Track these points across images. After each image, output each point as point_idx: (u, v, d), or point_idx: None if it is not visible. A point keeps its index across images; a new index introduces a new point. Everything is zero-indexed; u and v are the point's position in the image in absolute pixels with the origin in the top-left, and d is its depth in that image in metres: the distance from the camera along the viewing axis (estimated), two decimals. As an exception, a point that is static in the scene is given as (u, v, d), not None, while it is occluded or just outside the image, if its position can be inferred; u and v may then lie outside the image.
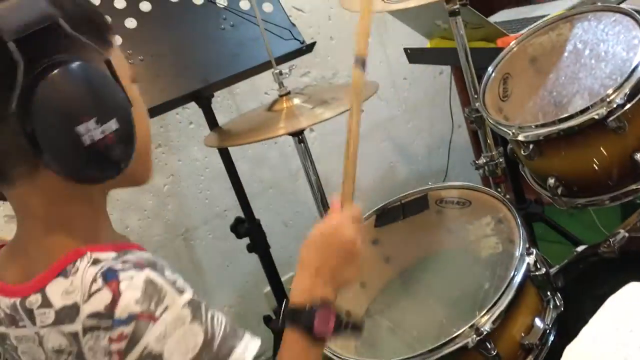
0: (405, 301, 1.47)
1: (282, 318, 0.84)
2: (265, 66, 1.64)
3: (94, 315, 0.67)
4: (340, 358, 1.23)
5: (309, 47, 1.74)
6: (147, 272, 0.69)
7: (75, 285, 0.68)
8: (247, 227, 1.83)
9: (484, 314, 1.11)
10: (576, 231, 2.09)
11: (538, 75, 1.39)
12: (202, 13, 1.66)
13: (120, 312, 0.66)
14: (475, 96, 1.55)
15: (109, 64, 0.70)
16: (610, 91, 1.19)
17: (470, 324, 1.10)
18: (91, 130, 0.65)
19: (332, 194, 0.90)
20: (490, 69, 1.45)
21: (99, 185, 0.73)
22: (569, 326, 1.00)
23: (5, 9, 0.63)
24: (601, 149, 1.25)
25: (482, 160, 1.72)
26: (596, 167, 1.28)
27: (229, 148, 1.77)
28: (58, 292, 0.69)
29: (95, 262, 0.70)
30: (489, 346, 1.11)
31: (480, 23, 1.72)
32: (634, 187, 1.27)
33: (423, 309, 1.43)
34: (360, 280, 1.50)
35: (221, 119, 1.77)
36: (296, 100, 1.54)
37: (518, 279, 1.15)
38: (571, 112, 1.21)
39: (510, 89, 1.40)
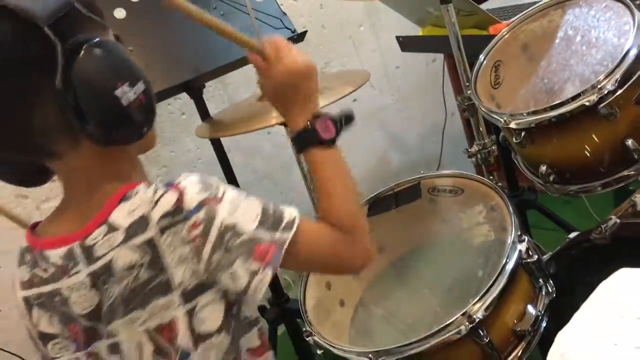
0: (399, 290, 1.47)
1: (297, 148, 0.94)
2: (256, 56, 1.63)
3: (166, 215, 0.76)
4: (335, 347, 1.24)
5: (301, 36, 1.73)
6: (196, 174, 0.81)
7: (138, 203, 0.77)
8: (241, 217, 1.82)
9: (477, 302, 1.12)
10: (569, 218, 2.09)
11: (529, 62, 1.39)
12: (192, 2, 1.64)
13: (188, 204, 0.77)
14: (467, 84, 1.54)
15: (117, 38, 0.81)
16: (601, 77, 1.19)
17: (462, 312, 1.11)
18: (127, 93, 0.75)
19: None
20: (481, 56, 1.45)
21: (128, 152, 0.84)
22: (561, 312, 1.00)
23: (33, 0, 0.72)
24: (592, 135, 1.25)
25: (474, 148, 1.72)
26: (588, 154, 1.28)
27: (221, 139, 1.77)
28: (122, 215, 0.77)
29: (150, 184, 0.79)
30: (482, 333, 1.12)
31: (472, 10, 1.72)
32: (625, 173, 1.28)
33: (417, 297, 1.43)
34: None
35: (213, 109, 1.76)
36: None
37: (510, 266, 1.15)
38: (562, 99, 1.21)
39: (502, 77, 1.40)
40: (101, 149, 0.79)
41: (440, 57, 2.61)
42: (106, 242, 0.77)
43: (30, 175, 0.87)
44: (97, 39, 0.75)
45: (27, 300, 0.86)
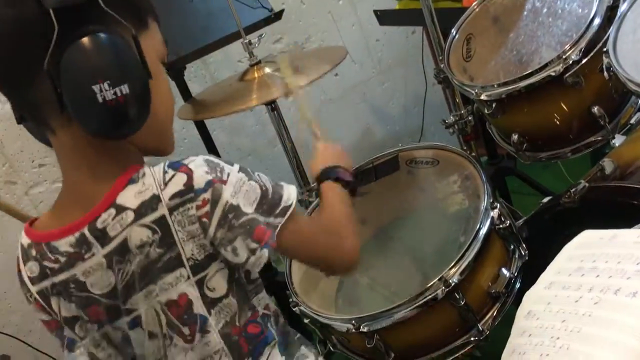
0: (382, 259, 1.53)
1: (319, 181, 1.12)
2: (235, 36, 1.66)
3: (176, 194, 0.81)
4: (320, 315, 1.29)
5: (277, 15, 1.75)
6: (202, 156, 0.85)
7: (148, 184, 0.82)
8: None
9: (452, 267, 1.17)
10: (547, 183, 2.15)
11: (499, 34, 1.43)
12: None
13: (197, 183, 0.82)
14: (441, 57, 1.58)
15: (135, 39, 0.80)
16: (566, 47, 1.23)
17: (439, 277, 1.16)
18: (105, 91, 0.76)
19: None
20: (453, 30, 1.49)
21: (118, 146, 0.85)
22: (534, 274, 1.05)
23: None
24: (560, 104, 1.30)
25: (451, 119, 1.76)
26: (557, 122, 1.33)
27: (205, 121, 1.80)
28: (131, 196, 0.82)
29: (155, 166, 0.84)
30: (458, 296, 1.18)
31: (446, -17, 1.75)
32: (592, 139, 1.33)
33: (399, 265, 1.49)
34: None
35: (195, 89, 1.79)
36: (267, 70, 1.56)
37: (483, 232, 1.21)
38: (531, 70, 1.26)
39: (474, 49, 1.44)
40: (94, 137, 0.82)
41: (419, 29, 2.62)
42: (117, 223, 0.82)
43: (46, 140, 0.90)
44: (103, 34, 0.77)
45: (42, 293, 0.90)
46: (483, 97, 1.31)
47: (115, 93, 0.76)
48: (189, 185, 0.81)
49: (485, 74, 1.37)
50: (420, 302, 1.16)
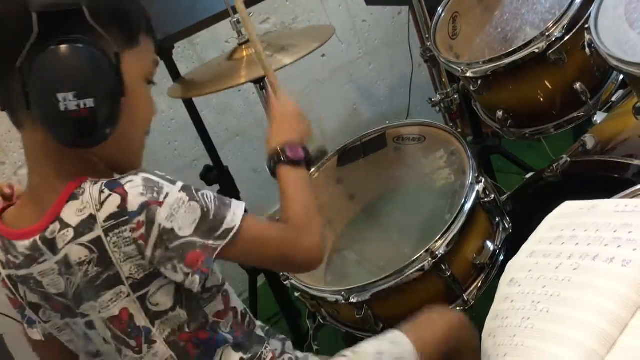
0: (370, 234, 1.56)
1: (269, 168, 1.05)
2: (222, 15, 1.66)
3: (110, 216, 0.81)
4: (310, 288, 1.32)
5: (264, -6, 1.76)
6: (142, 174, 0.84)
7: (86, 202, 0.82)
8: (216, 174, 1.88)
9: (438, 239, 1.21)
10: (531, 161, 2.18)
11: (485, 12, 1.45)
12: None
13: (131, 205, 0.81)
14: (427, 36, 1.60)
15: (117, 56, 0.81)
16: (549, 25, 1.26)
17: (425, 249, 1.20)
18: (69, 101, 0.76)
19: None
20: (440, 9, 1.51)
21: (80, 153, 0.85)
22: (517, 247, 1.09)
23: None
24: (544, 80, 1.33)
25: (437, 98, 1.79)
26: (540, 98, 1.36)
27: (193, 99, 1.80)
28: (72, 213, 0.82)
29: (96, 182, 0.83)
30: (444, 268, 1.21)
31: (432, -39, 1.76)
32: (575, 114, 1.37)
33: (387, 240, 1.52)
34: (327, 218, 1.58)
35: (183, 69, 1.79)
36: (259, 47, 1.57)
37: (469, 205, 1.24)
38: (514, 47, 1.28)
39: (459, 27, 1.46)
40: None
41: (405, 9, 2.64)
42: (62, 237, 0.83)
43: None
44: (81, 45, 0.78)
45: (10, 278, 0.93)
46: (469, 74, 1.34)
47: (78, 105, 0.76)
48: (122, 208, 0.81)
49: (470, 52, 1.40)
50: (408, 273, 1.20)
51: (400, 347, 1.11)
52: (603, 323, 0.73)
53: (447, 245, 1.20)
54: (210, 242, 0.85)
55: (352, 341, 1.57)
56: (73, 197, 0.83)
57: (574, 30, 1.25)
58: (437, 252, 1.19)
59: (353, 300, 1.23)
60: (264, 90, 1.62)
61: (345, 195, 1.61)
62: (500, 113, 1.39)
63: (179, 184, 0.86)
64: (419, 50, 2.35)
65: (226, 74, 1.54)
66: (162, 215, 0.82)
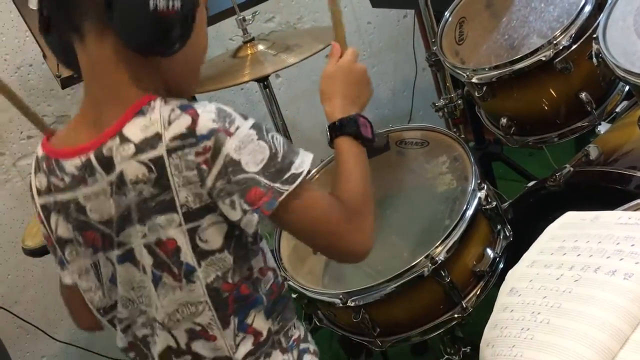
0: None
1: (330, 134, 0.97)
2: (228, 13, 1.66)
3: (177, 137, 0.78)
4: (308, 290, 1.32)
5: (272, -7, 1.75)
6: (215, 104, 0.82)
7: (154, 120, 0.79)
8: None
9: (439, 245, 1.20)
10: (532, 169, 2.18)
11: (492, 19, 1.44)
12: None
13: (201, 129, 0.78)
14: (433, 40, 1.60)
15: None
16: (557, 33, 1.25)
17: (425, 254, 1.19)
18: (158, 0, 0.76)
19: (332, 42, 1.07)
20: (447, 13, 1.50)
21: (155, 66, 0.83)
22: (518, 255, 1.08)
23: None
24: (549, 89, 1.33)
25: (441, 103, 1.78)
26: (545, 107, 1.35)
27: (196, 95, 1.80)
28: (137, 129, 0.80)
29: (168, 102, 0.81)
30: (444, 274, 1.20)
31: (440, -33, 1.75)
32: (579, 124, 1.36)
33: (386, 244, 1.51)
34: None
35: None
36: (260, 47, 1.57)
37: (470, 212, 1.23)
38: (521, 54, 1.28)
39: (466, 33, 1.46)
40: (124, 50, 0.80)
41: (411, 13, 2.63)
42: (120, 153, 0.80)
43: (68, 55, 0.86)
44: None
45: (45, 207, 0.90)
46: (474, 80, 1.33)
47: (167, 4, 0.76)
48: (191, 130, 0.78)
49: (476, 58, 1.39)
50: (407, 279, 1.19)
51: None
52: (604, 336, 0.73)
53: (448, 252, 1.20)
54: (277, 185, 0.81)
55: (347, 344, 1.57)
56: (140, 113, 0.80)
57: (581, 40, 1.25)
58: (437, 258, 1.18)
59: (351, 303, 1.23)
60: (267, 90, 1.62)
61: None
62: (504, 120, 1.39)
63: (251, 121, 0.83)
64: (424, 54, 2.34)
65: (230, 71, 1.53)
66: (231, 145, 0.79)
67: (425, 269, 1.19)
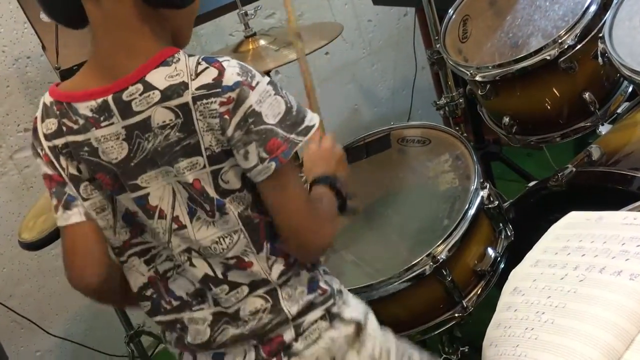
0: (369, 236, 1.54)
1: (314, 182, 1.06)
2: (230, 7, 1.65)
3: (203, 86, 0.84)
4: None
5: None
6: (236, 60, 0.88)
7: (180, 69, 0.85)
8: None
9: (440, 244, 1.19)
10: (531, 170, 2.17)
11: (496, 17, 1.44)
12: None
13: (227, 80, 0.84)
14: (437, 38, 1.59)
15: None
16: (562, 32, 1.25)
17: (427, 253, 1.18)
18: None
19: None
20: (450, 11, 1.49)
21: (170, 20, 0.89)
22: (519, 254, 1.08)
23: None
24: (553, 88, 1.32)
25: (442, 101, 1.77)
26: (548, 106, 1.35)
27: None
28: (161, 77, 0.85)
29: (192, 55, 0.87)
30: (445, 273, 1.20)
31: (443, -35, 1.75)
32: (582, 124, 1.36)
33: (385, 242, 1.50)
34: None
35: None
36: (262, 42, 1.56)
37: (472, 211, 1.23)
38: (526, 53, 1.27)
39: (470, 31, 1.45)
40: (142, 5, 0.85)
41: (411, 11, 2.63)
42: (144, 100, 0.85)
43: (73, 13, 0.89)
44: None
45: (54, 149, 0.92)
46: (477, 78, 1.33)
47: None
48: (218, 80, 0.84)
49: (480, 56, 1.39)
50: (409, 277, 1.18)
51: None
52: (609, 337, 0.72)
53: (449, 250, 1.19)
54: (293, 135, 0.88)
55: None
56: (165, 63, 0.85)
57: (586, 39, 1.24)
58: (438, 257, 1.18)
59: (351, 301, 1.21)
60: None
61: (346, 195, 1.59)
62: (506, 119, 1.38)
63: (267, 78, 0.89)
64: (424, 53, 2.34)
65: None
66: (253, 98, 0.85)
67: (427, 268, 1.18)
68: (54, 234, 1.52)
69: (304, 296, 0.96)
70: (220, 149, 0.87)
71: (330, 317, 0.98)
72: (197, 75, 0.84)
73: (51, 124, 0.91)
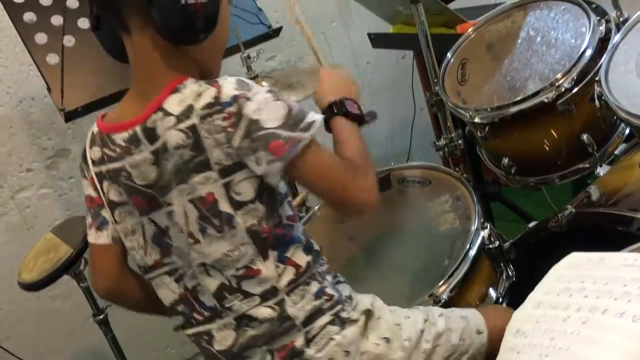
0: (370, 275, 1.53)
1: (327, 117, 1.12)
2: (233, 50, 1.68)
3: (206, 106, 0.93)
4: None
5: (276, 32, 1.78)
6: (236, 77, 0.97)
7: (187, 95, 0.95)
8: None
9: (442, 284, 1.19)
10: (531, 210, 2.19)
11: (494, 60, 1.47)
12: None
13: (225, 96, 0.93)
14: (435, 80, 1.61)
15: None
16: (559, 76, 1.27)
17: (429, 294, 1.18)
18: None
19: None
20: (449, 54, 1.52)
21: (188, 53, 0.99)
22: (521, 295, 1.08)
23: None
24: (551, 130, 1.34)
25: (442, 142, 1.79)
26: (547, 148, 1.36)
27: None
28: (174, 103, 0.95)
29: (196, 81, 0.96)
30: (447, 314, 1.18)
31: (441, 10, 1.79)
32: (581, 165, 1.37)
33: (386, 282, 1.49)
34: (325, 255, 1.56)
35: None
36: (264, 84, 1.59)
37: (473, 251, 1.23)
38: (523, 95, 1.29)
39: (468, 74, 1.48)
40: (160, 40, 0.95)
41: (410, 53, 2.67)
42: (163, 125, 0.95)
43: (119, 48, 1.01)
44: None
45: (99, 175, 1.05)
46: (476, 120, 1.35)
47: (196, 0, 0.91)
48: (216, 98, 0.93)
49: (478, 98, 1.41)
50: (410, 318, 1.17)
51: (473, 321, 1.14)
52: (614, 380, 0.72)
53: (451, 291, 1.19)
54: (296, 133, 0.95)
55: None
56: (175, 90, 0.95)
57: (582, 83, 1.26)
58: (440, 297, 1.17)
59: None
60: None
61: (345, 236, 1.59)
62: (505, 160, 1.39)
63: (266, 87, 0.98)
64: (422, 94, 2.37)
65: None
66: (250, 108, 0.93)
67: (429, 309, 1.17)
68: (54, 275, 1.52)
69: (310, 303, 1.02)
70: (231, 161, 0.95)
71: (341, 321, 1.03)
72: (199, 96, 0.93)
73: (96, 152, 1.04)
